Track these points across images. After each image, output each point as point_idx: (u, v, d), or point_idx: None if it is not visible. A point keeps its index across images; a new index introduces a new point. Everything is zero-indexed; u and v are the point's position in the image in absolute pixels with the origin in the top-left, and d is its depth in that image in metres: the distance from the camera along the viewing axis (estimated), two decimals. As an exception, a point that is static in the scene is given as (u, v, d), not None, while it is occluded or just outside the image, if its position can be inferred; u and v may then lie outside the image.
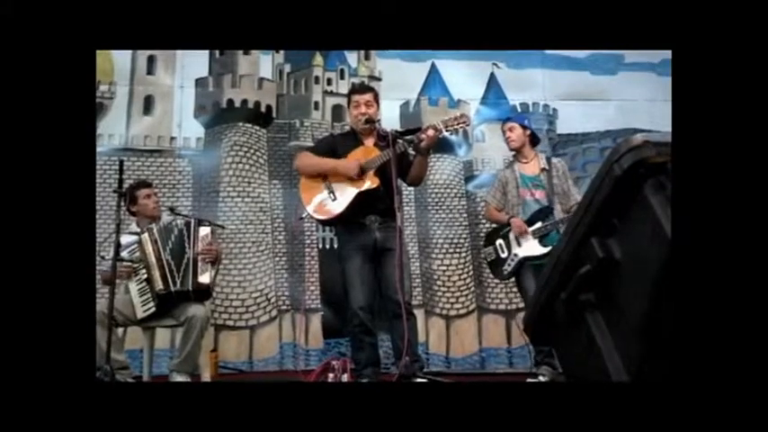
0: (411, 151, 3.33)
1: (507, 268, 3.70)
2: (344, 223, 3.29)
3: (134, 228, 3.59)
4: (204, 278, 3.34)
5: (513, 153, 3.86)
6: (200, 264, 3.35)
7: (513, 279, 3.80)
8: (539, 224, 3.64)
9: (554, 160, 3.88)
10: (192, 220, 3.49)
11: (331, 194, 3.25)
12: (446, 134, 3.37)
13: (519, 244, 3.67)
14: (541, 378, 3.50)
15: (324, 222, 3.55)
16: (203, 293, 3.37)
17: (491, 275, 4.63)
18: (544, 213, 3.66)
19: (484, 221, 4.68)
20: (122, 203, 3.29)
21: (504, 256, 3.72)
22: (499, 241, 3.76)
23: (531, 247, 3.62)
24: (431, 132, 3.16)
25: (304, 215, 3.98)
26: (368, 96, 3.37)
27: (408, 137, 3.25)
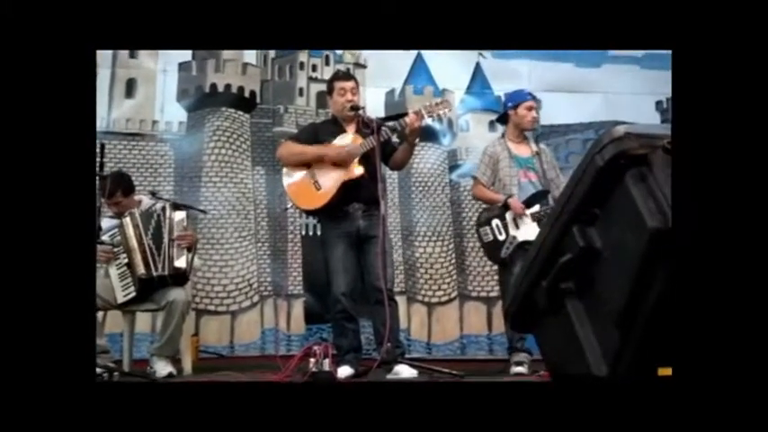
0: (395, 139, 3.33)
1: (506, 251, 3.52)
2: (328, 211, 3.29)
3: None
4: (180, 262, 3.33)
5: (503, 131, 3.79)
6: (175, 248, 3.34)
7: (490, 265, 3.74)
8: (537, 207, 3.52)
9: (541, 145, 3.83)
10: (167, 204, 3.47)
11: (315, 184, 3.25)
12: (429, 121, 3.37)
13: (517, 226, 3.53)
14: (520, 368, 3.48)
15: (309, 212, 3.54)
16: (180, 278, 3.35)
17: (473, 263, 4.63)
18: (541, 196, 3.56)
19: (467, 210, 4.68)
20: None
21: (501, 238, 3.55)
22: (495, 221, 3.58)
23: (529, 231, 3.44)
24: (413, 117, 3.17)
25: (289, 206, 3.97)
26: (352, 83, 3.37)
27: (391, 123, 3.26)
